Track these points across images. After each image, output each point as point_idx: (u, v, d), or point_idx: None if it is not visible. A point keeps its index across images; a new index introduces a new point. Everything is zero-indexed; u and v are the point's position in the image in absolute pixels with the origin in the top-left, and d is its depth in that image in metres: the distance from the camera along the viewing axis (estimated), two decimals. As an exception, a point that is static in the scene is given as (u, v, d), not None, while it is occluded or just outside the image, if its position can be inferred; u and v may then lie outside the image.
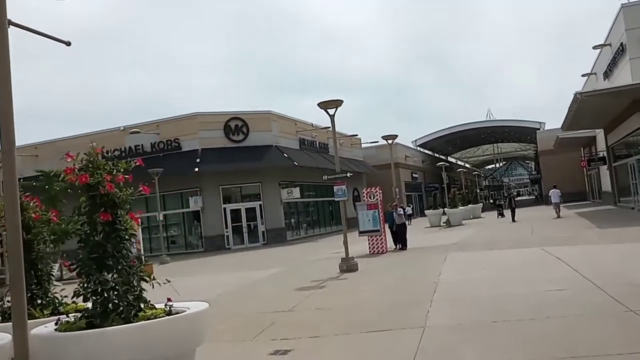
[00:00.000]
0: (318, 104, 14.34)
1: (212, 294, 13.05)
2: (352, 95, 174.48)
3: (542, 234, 19.32)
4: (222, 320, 9.56)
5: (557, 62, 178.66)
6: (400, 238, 19.36)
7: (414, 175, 56.72)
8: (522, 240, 18.01)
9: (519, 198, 68.17)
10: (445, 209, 34.36)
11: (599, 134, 35.59)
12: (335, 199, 14.73)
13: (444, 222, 32.56)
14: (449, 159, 75.83)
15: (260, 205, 32.09)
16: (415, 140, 60.86)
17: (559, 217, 28.28)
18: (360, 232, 19.06)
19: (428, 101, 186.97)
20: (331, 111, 14.44)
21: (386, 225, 19.65)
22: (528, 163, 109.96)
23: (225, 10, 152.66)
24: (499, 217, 33.97)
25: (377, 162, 45.89)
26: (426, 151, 63.71)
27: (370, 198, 18.86)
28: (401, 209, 19.93)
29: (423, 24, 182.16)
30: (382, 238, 18.77)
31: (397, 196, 24.01)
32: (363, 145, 47.27)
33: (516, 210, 30.47)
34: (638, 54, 23.08)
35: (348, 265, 14.20)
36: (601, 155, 35.70)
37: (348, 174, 14.65)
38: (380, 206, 18.79)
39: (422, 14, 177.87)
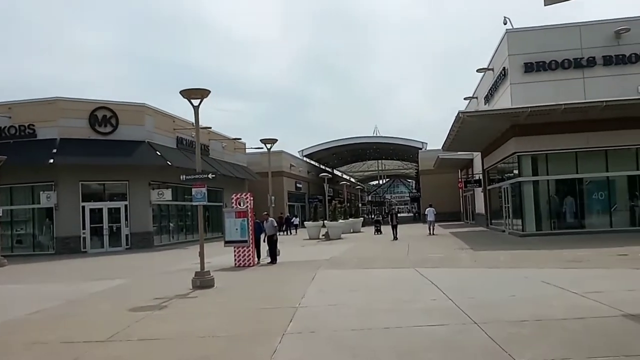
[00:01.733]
0: (180, 92, 12.28)
1: (25, 311, 10.56)
2: (249, 103, 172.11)
3: (417, 254, 18.58)
4: (16, 352, 7.32)
5: (444, 86, 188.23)
6: (270, 251, 17.67)
7: (298, 185, 55.56)
8: (397, 259, 17.06)
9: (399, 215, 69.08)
10: (325, 221, 33.36)
11: (477, 157, 36.56)
12: (194, 203, 12.73)
13: (322, 235, 31.51)
14: (335, 171, 75.91)
15: (126, 205, 29.07)
16: (302, 150, 59.77)
17: (431, 234, 28.97)
18: (226, 242, 17.12)
19: (325, 115, 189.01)
20: (195, 102, 12.47)
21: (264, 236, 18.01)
22: (409, 181, 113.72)
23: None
24: (376, 233, 33.43)
25: (262, 169, 43.95)
26: (312, 162, 62.92)
27: (239, 205, 17.01)
28: (272, 219, 18.23)
29: (322, 42, 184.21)
30: (249, 250, 16.96)
31: (272, 205, 22.34)
32: (248, 151, 45.35)
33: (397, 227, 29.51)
34: (519, 80, 23.41)
35: (202, 281, 12.25)
36: (477, 177, 36.68)
37: (210, 176, 12.71)
38: (250, 214, 16.99)
39: (321, 32, 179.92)
